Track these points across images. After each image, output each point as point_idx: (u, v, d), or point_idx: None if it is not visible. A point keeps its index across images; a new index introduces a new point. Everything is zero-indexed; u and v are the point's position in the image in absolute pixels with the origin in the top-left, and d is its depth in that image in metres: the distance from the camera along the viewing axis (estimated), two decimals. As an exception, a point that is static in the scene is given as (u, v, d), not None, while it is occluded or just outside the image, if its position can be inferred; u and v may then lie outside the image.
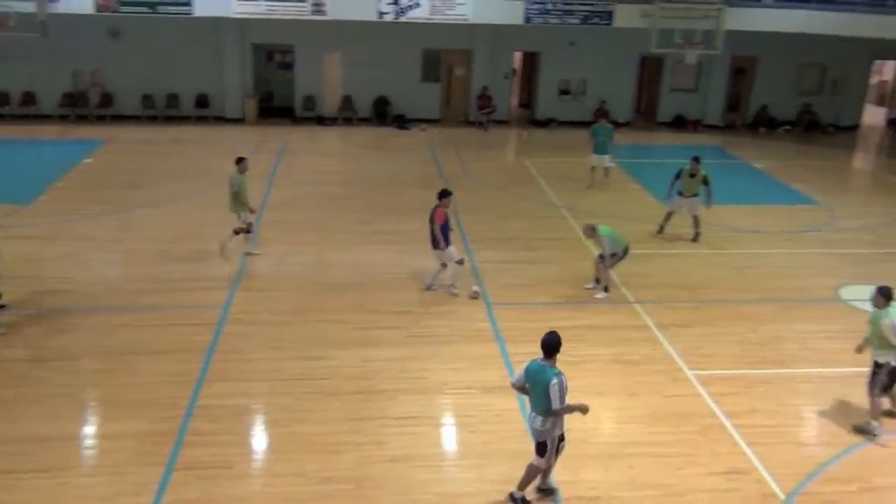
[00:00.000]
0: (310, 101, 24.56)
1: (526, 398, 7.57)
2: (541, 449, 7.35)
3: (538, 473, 7.51)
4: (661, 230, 15.22)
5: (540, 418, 7.23)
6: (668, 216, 15.17)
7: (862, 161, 24.28)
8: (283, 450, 8.28)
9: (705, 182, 14.63)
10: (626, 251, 12.27)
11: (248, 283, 12.45)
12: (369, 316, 11.44)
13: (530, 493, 7.57)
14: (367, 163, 20.39)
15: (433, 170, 19.60)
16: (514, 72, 27.07)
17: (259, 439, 8.65)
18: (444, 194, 12.14)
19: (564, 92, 25.38)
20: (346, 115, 24.56)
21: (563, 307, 11.90)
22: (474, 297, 12.02)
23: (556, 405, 7.03)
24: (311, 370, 9.88)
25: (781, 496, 7.83)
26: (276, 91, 25.03)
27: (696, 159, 14.87)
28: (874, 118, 27.91)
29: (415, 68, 24.70)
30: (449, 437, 8.87)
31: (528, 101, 27.13)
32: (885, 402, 9.17)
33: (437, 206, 12.08)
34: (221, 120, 24.09)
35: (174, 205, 16.21)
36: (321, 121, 24.41)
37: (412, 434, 8.62)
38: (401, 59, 24.38)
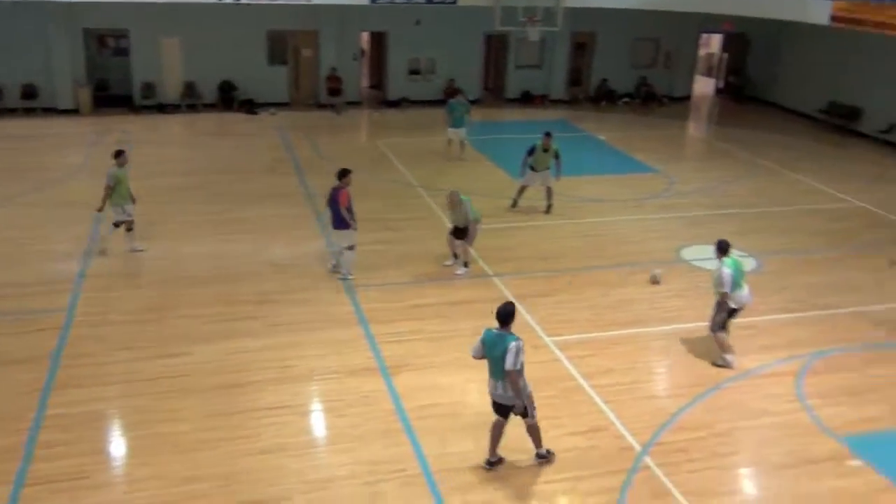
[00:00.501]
0: (149, 89, 23.43)
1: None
2: (514, 411, 7.65)
3: (538, 428, 7.84)
4: (514, 204, 15.63)
5: (502, 383, 7.53)
6: (522, 190, 15.59)
7: (695, 129, 25.85)
8: (144, 453, 7.96)
9: (556, 156, 15.15)
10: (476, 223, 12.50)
11: (96, 283, 11.81)
12: (229, 308, 11.14)
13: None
14: (216, 151, 19.73)
15: (285, 155, 19.24)
16: (362, 52, 26.89)
17: (117, 445, 8.26)
18: (343, 174, 11.93)
19: (414, 72, 25.48)
20: (190, 102, 23.63)
21: (425, 285, 12.04)
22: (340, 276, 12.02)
23: (509, 366, 7.31)
24: (171, 368, 9.52)
25: (637, 448, 8.30)
26: (112, 78, 23.69)
27: (548, 134, 15.34)
28: (704, 88, 29.73)
29: (260, 51, 24.06)
30: (318, 423, 8.82)
31: (378, 82, 27.05)
32: (726, 338, 10.10)
33: (338, 187, 11.84)
34: (52, 111, 22.57)
35: (7, 205, 15.08)
36: (163, 108, 23.37)
37: (281, 424, 8.50)
38: (245, 41, 23.68)
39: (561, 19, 21.96)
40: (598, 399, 9.15)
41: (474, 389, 9.35)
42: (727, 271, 9.76)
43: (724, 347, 10.09)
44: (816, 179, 18.52)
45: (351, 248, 12.01)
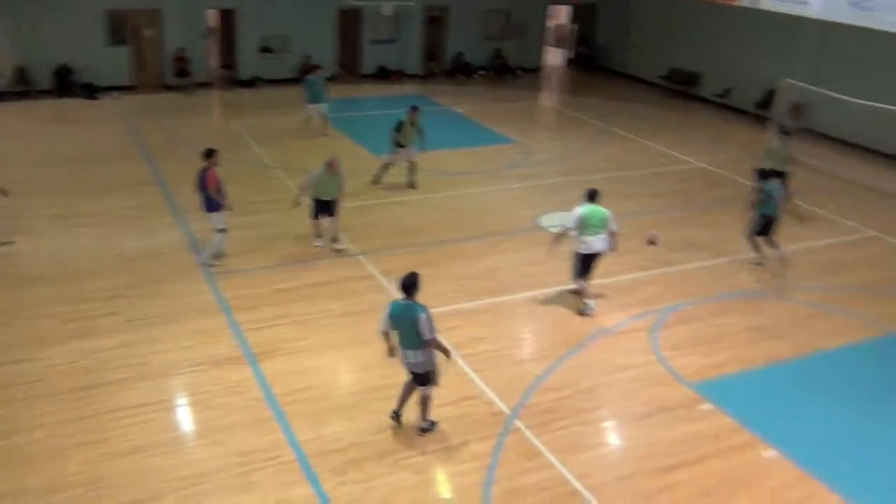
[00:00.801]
0: (-25, 76, 21.68)
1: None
2: (423, 379, 7.91)
3: (431, 399, 8.09)
4: (377, 181, 15.59)
5: (419, 352, 7.73)
6: (386, 167, 15.56)
7: (548, 100, 26.57)
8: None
9: (419, 130, 15.21)
10: None
11: (-73, 289, 10.92)
12: (80, 306, 10.56)
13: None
14: (56, 140, 18.54)
15: (132, 141, 18.32)
16: (210, 31, 25.89)
17: (-35, 460, 7.72)
18: (209, 153, 11.47)
19: (266, 49, 24.81)
20: (23, 89, 22.02)
21: (289, 268, 11.85)
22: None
23: (427, 336, 7.56)
24: (21, 374, 8.95)
25: (507, 412, 8.55)
26: (-70, 66, 21.75)
27: (415, 108, 15.39)
28: (555, 59, 30.55)
29: (97, 32, 22.68)
30: (185, 418, 8.55)
31: (229, 61, 26.14)
32: (584, 284, 10.75)
33: (205, 168, 11.37)
34: None
35: None
36: (-7, 97, 21.70)
37: (145, 422, 8.19)
38: (81, 22, 22.26)
39: (413, -7, 21.96)
40: (467, 368, 9.34)
41: (345, 370, 9.36)
42: (578, 211, 10.45)
43: (585, 294, 10.76)
44: (661, 143, 19.49)
45: (222, 230, 11.66)
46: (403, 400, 8.26)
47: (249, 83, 24.52)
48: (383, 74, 26.27)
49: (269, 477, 7.44)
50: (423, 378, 8.00)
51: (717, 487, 7.59)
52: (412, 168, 15.54)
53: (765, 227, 12.28)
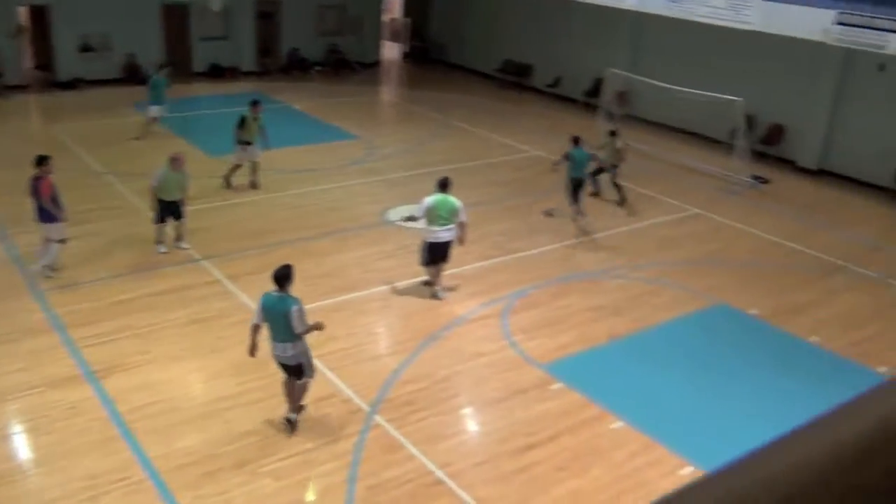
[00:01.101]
0: None
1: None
2: (299, 371, 7.93)
3: (307, 390, 8.12)
4: (228, 184, 15.06)
5: (289, 345, 7.73)
6: (235, 169, 15.05)
7: (388, 94, 26.67)
8: None
9: (261, 128, 14.83)
10: None
11: None
12: None
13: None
14: None
15: (-60, 151, 16.77)
16: (21, 29, 24.05)
17: None
18: (41, 160, 10.71)
19: (86, 48, 23.35)
20: None
21: (127, 278, 11.26)
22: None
23: (299, 329, 7.64)
24: None
25: (366, 408, 8.55)
26: None
27: (257, 103, 15.01)
28: (392, 53, 30.67)
29: None
30: (21, 446, 7.95)
31: (46, 62, 24.42)
32: (434, 271, 11.05)
33: (38, 177, 10.58)
34: None
35: None
36: None
37: (-26, 455, 7.55)
38: None
39: (242, -12, 21.34)
40: (323, 368, 9.22)
41: (194, 380, 9.03)
42: (427, 201, 10.65)
43: (432, 277, 11.09)
44: (499, 134, 20.04)
45: (62, 241, 10.99)
46: (292, 399, 8.22)
47: (70, 85, 22.99)
48: (216, 72, 25.39)
49: (119, 499, 7.06)
50: (296, 370, 7.99)
51: (570, 462, 7.93)
52: (255, 168, 15.14)
53: (575, 190, 13.86)
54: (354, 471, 7.59)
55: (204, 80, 24.95)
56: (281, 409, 8.32)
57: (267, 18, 26.38)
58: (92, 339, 9.61)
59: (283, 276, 7.84)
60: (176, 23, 25.30)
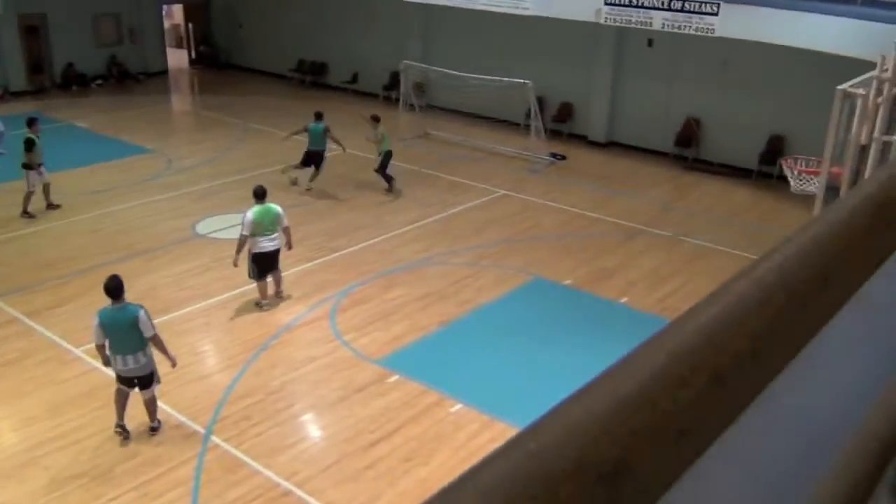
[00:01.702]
0: None
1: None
2: (150, 379, 7.89)
3: (155, 399, 8.09)
4: (28, 214, 13.85)
5: (140, 354, 7.70)
6: (31, 196, 13.82)
7: (179, 103, 25.56)
8: None
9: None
10: None
11: None
12: None
13: None
14: None
15: None
16: None
17: None
18: None
19: None
20: None
21: None
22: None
23: (150, 333, 7.69)
24: None
25: (201, 430, 8.20)
26: None
27: (34, 120, 13.91)
28: (178, 61, 29.38)
29: None
30: None
31: None
32: (269, 286, 10.86)
33: None
34: None
35: None
36: None
37: None
38: None
39: (1, 1, 19.59)
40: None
41: (5, 429, 8.31)
42: (248, 215, 10.41)
43: (262, 293, 10.79)
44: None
45: None
46: (123, 409, 8.03)
47: None
48: (-17, 94, 23.19)
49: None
50: (147, 379, 7.87)
51: (416, 450, 8.03)
52: (48, 189, 14.07)
53: (308, 161, 15.44)
54: (196, 496, 7.27)
55: (-32, 103, 22.70)
56: (112, 442, 7.81)
57: (33, 32, 24.39)
58: None
59: (117, 287, 7.74)
60: (-73, 43, 22.84)
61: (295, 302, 11.05)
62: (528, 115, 18.65)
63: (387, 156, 15.50)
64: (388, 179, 15.62)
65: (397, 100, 21.29)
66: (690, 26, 15.28)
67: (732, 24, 14.80)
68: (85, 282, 11.51)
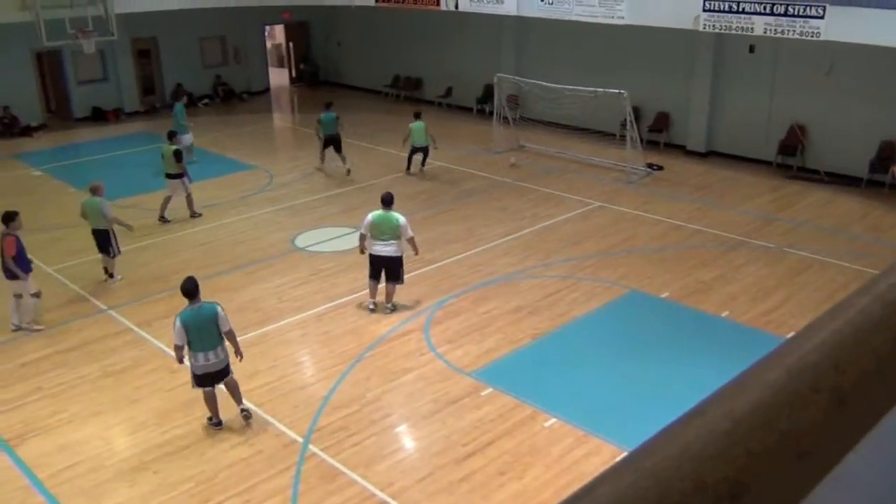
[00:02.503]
0: None
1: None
2: (226, 370, 8.50)
3: (237, 383, 8.65)
4: (196, 213, 15.26)
5: (220, 348, 8.35)
6: (168, 201, 15.03)
7: (280, 120, 26.35)
8: None
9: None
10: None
11: None
12: None
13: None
14: None
15: None
16: None
17: None
18: (8, 218, 10.30)
19: (-45, 104, 22.18)
20: None
21: (31, 338, 10.70)
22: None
23: (227, 327, 8.33)
24: None
25: (299, 439, 8.38)
26: None
27: (173, 134, 15.42)
28: (280, 79, 30.33)
29: None
30: (-67, 530, 7.44)
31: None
32: (373, 285, 11.20)
33: (3, 235, 10.21)
34: None
35: None
36: None
37: None
38: None
39: (115, 27, 20.70)
40: (250, 405, 9.00)
41: (116, 434, 8.67)
42: (368, 217, 10.90)
43: (370, 293, 11.20)
44: (399, 148, 20.04)
45: (35, 294, 10.75)
46: (216, 405, 8.51)
47: (-59, 143, 21.77)
48: (99, 116, 24.52)
49: (50, 571, 6.69)
50: (225, 371, 8.41)
51: (510, 464, 7.98)
52: (190, 199, 15.20)
53: (327, 143, 17.65)
54: (296, 504, 7.43)
55: (86, 124, 24.05)
56: (214, 449, 8.09)
57: (146, 56, 25.68)
58: (1, 406, 9.09)
59: (193, 288, 8.26)
60: (51, 69, 24.37)
61: (390, 314, 11.18)
62: (623, 126, 18.36)
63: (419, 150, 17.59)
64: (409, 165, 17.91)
65: (491, 113, 21.33)
66: (794, 30, 14.74)
67: (839, 26, 14.21)
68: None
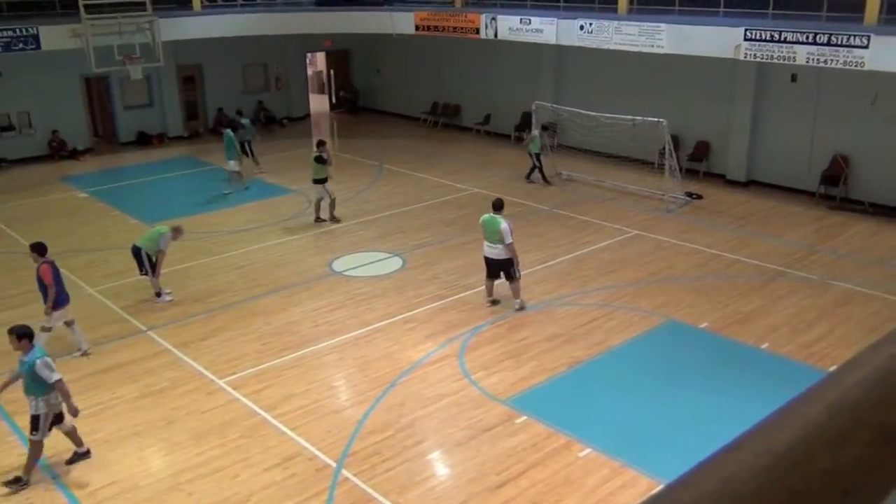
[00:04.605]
0: None
1: None
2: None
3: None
4: (326, 219, 16.37)
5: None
6: (319, 204, 16.37)
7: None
8: None
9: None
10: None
11: None
12: None
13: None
14: None
15: None
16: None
17: None
18: (39, 249, 10.51)
19: (6, 128, 22.80)
20: None
21: (71, 358, 10.86)
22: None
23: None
24: None
25: (333, 464, 8.37)
26: None
27: (322, 143, 16.82)
28: (320, 105, 30.73)
29: None
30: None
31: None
32: (489, 286, 12.04)
33: (40, 264, 10.42)
34: None
35: None
36: None
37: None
38: None
39: (161, 53, 21.21)
40: (284, 428, 9.04)
41: (151, 455, 8.74)
42: (506, 225, 11.53)
43: (487, 292, 12.17)
44: (436, 174, 20.19)
45: (68, 323, 10.86)
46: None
47: (-10, 166, 22.38)
48: (144, 140, 25.06)
49: (84, 590, 6.73)
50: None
51: (544, 495, 7.87)
52: (333, 204, 16.36)
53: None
54: (328, 530, 7.40)
55: (132, 148, 24.58)
56: (248, 472, 8.12)
57: (190, 82, 26.23)
58: (39, 425, 9.22)
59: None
60: (98, 94, 25.01)
61: (425, 339, 11.18)
62: (662, 154, 18.25)
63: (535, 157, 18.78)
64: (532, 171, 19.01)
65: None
66: (838, 60, 14.57)
67: (884, 56, 14.01)
68: (231, 315, 12.11)
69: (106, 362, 10.73)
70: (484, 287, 12.24)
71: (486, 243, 11.84)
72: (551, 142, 20.66)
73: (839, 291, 12.52)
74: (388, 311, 12.00)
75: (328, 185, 16.27)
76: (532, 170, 19.16)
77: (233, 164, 18.62)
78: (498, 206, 11.95)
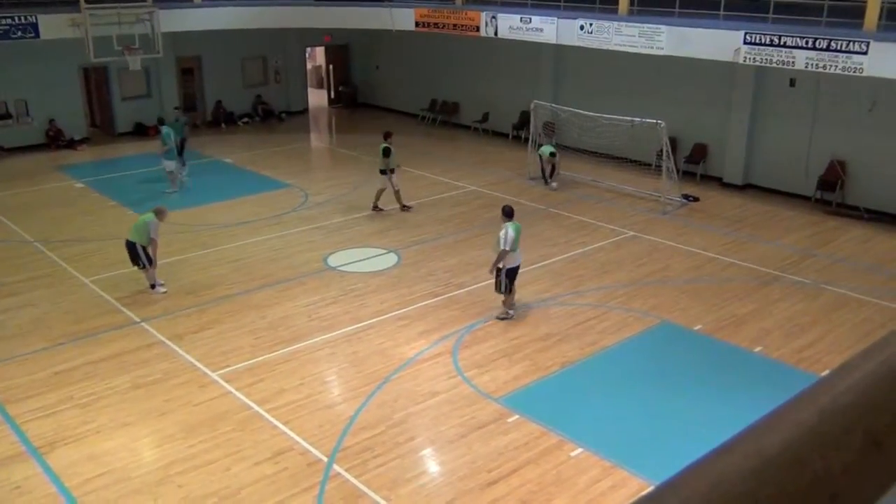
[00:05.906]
0: None
1: None
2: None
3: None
4: (378, 208, 16.69)
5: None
6: (381, 192, 16.62)
7: (317, 140, 26.63)
8: None
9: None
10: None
11: None
12: None
13: None
14: None
15: None
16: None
17: None
18: None
19: (3, 116, 22.74)
20: None
21: (66, 347, 10.87)
22: None
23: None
24: None
25: (324, 459, 8.38)
26: None
27: (389, 134, 16.73)
28: (318, 100, 30.68)
29: None
30: (-38, 534, 7.55)
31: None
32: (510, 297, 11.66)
33: None
34: None
35: None
36: None
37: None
38: None
39: (161, 45, 21.14)
40: (276, 422, 9.05)
41: (143, 446, 8.73)
42: (510, 231, 11.16)
43: (508, 304, 11.65)
44: (433, 172, 20.18)
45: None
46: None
47: (-13, 153, 22.31)
48: (141, 131, 24.98)
49: (73, 580, 6.73)
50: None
51: (534, 494, 7.89)
52: (399, 194, 16.54)
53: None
54: (318, 524, 7.41)
55: (129, 139, 24.50)
56: (239, 465, 8.12)
57: (188, 74, 26.17)
58: (33, 414, 9.22)
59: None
60: (97, 84, 24.93)
61: (418, 336, 11.18)
62: (659, 156, 18.26)
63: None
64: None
65: (527, 139, 21.36)
66: (837, 66, 14.60)
67: (883, 62, 14.04)
68: (225, 308, 12.10)
69: (100, 353, 10.72)
70: (509, 297, 11.67)
71: (516, 254, 11.45)
72: (550, 141, 20.65)
73: (833, 296, 12.56)
74: (382, 308, 12.00)
75: (393, 176, 16.38)
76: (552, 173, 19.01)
77: (169, 164, 18.28)
78: (511, 213, 11.56)
